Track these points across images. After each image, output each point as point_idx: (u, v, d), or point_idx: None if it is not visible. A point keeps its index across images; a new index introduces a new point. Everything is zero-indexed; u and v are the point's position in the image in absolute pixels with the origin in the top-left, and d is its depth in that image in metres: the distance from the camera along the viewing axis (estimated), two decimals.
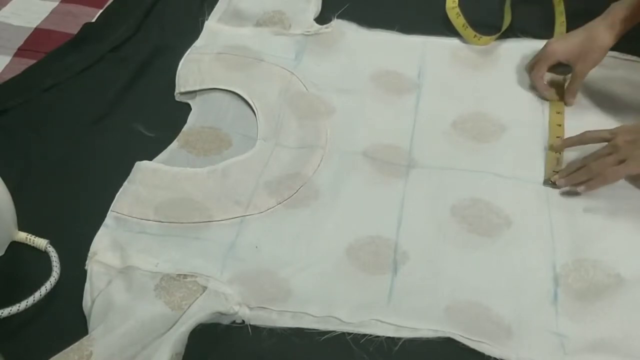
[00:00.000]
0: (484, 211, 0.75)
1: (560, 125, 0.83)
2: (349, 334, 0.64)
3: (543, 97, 0.87)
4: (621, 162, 0.71)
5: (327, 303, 0.66)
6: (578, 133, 0.78)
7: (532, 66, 0.88)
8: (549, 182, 0.76)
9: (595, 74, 0.88)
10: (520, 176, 0.79)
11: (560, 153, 0.78)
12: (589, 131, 0.76)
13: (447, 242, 0.72)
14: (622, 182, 0.76)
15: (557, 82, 0.89)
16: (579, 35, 0.83)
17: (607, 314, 0.65)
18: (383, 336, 0.63)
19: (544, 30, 0.95)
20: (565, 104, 0.86)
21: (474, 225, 0.74)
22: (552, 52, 0.85)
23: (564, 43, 0.84)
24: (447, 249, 0.72)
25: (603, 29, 0.80)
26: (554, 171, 0.76)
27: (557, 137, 0.80)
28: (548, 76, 0.88)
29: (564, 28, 0.94)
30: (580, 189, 0.73)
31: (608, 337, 0.64)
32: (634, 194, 0.75)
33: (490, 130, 0.84)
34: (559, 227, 0.73)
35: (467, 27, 0.95)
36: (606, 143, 0.73)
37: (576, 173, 0.74)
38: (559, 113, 0.85)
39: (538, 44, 0.91)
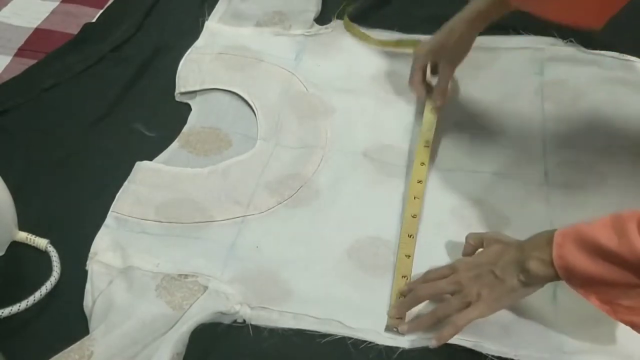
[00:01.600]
0: (484, 211, 0.75)
1: (417, 199, 0.75)
2: (350, 338, 0.64)
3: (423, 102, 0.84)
4: (468, 303, 0.61)
5: (329, 305, 0.66)
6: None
7: (409, 79, 0.86)
8: (392, 329, 0.64)
9: (595, 74, 0.88)
10: (520, 176, 0.79)
11: (404, 296, 0.66)
12: (431, 270, 0.67)
13: (447, 243, 0.72)
14: (622, 182, 0.77)
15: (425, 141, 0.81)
16: (439, 33, 0.82)
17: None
18: (382, 345, 0.64)
19: (543, 28, 0.94)
20: (434, 103, 0.83)
21: (474, 225, 0.74)
22: (417, 55, 0.84)
23: (427, 44, 0.83)
24: (447, 249, 0.72)
25: (459, 23, 0.79)
26: (396, 318, 0.65)
27: (403, 276, 0.68)
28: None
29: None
30: (431, 343, 0.62)
31: (607, 336, 0.64)
32: (634, 194, 0.76)
33: (490, 129, 0.84)
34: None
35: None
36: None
37: (421, 320, 0.64)
38: (419, 182, 0.76)
39: (539, 41, 0.90)
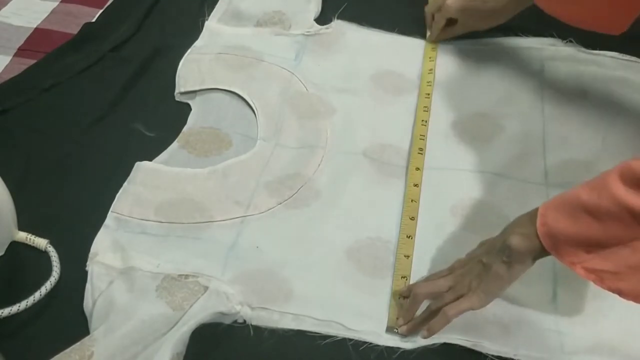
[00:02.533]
0: (484, 211, 0.75)
1: (414, 202, 0.75)
2: (350, 339, 0.64)
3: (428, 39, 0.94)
4: (461, 296, 0.62)
5: (329, 306, 0.66)
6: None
7: (432, 13, 0.94)
8: (392, 330, 0.64)
9: (595, 74, 0.88)
10: (520, 176, 0.79)
11: (405, 299, 0.66)
12: (432, 274, 0.68)
13: (447, 243, 0.72)
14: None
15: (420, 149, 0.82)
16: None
17: (606, 313, 0.66)
18: (383, 345, 0.64)
19: (543, 27, 0.94)
20: (430, 37, 0.93)
21: (474, 225, 0.74)
22: (446, 7, 0.90)
23: (459, 0, 0.89)
24: (447, 249, 0.72)
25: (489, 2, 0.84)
26: (397, 318, 0.65)
27: (403, 277, 0.68)
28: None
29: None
30: (422, 334, 0.62)
31: (607, 336, 0.64)
32: None
33: (490, 129, 0.84)
34: None
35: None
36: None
37: (418, 319, 0.64)
38: (416, 186, 0.77)
39: (539, 42, 0.90)
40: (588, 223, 0.54)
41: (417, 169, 0.79)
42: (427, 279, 0.67)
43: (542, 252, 0.57)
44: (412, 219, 0.74)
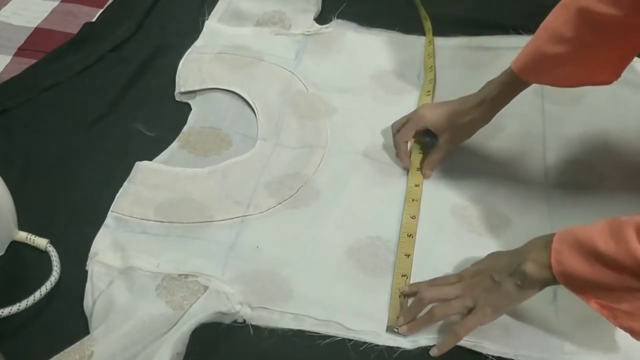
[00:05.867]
0: (484, 211, 0.75)
1: (415, 201, 0.75)
2: (350, 339, 0.64)
3: (403, 166, 0.80)
4: (469, 310, 0.62)
5: (329, 306, 0.66)
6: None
7: (398, 128, 0.80)
8: (392, 330, 0.64)
9: None
10: (520, 176, 0.79)
11: (405, 298, 0.66)
12: (439, 277, 0.67)
13: (447, 243, 0.72)
14: (622, 182, 0.77)
15: (420, 148, 0.81)
16: (450, 107, 0.77)
17: None
18: (383, 345, 0.64)
19: None
20: (423, 175, 0.78)
21: (474, 225, 0.74)
22: (420, 117, 0.78)
23: (435, 111, 0.78)
24: (447, 249, 0.71)
25: (473, 106, 0.75)
26: (397, 317, 0.65)
27: (403, 275, 0.68)
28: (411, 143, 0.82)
29: (431, 87, 0.89)
30: (432, 352, 0.62)
31: (607, 337, 0.64)
32: (634, 193, 0.76)
33: (489, 129, 0.84)
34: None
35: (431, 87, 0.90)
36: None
37: (419, 320, 0.64)
38: (417, 186, 0.77)
39: None
40: (604, 272, 0.54)
41: (418, 169, 0.79)
42: (433, 283, 0.66)
43: (554, 282, 0.58)
44: (413, 217, 0.74)
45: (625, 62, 0.71)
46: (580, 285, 0.57)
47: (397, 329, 0.64)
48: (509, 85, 0.74)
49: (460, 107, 0.76)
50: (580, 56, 0.69)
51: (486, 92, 0.75)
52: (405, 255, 0.70)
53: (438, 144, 0.78)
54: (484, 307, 0.61)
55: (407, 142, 0.80)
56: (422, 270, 0.69)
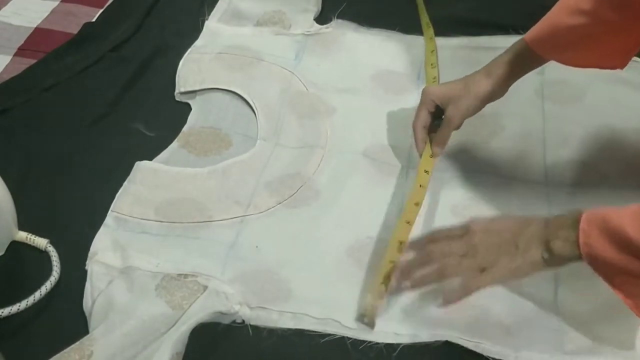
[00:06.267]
0: (484, 211, 0.75)
1: (422, 187, 0.73)
2: (349, 338, 0.64)
3: (418, 151, 0.77)
4: (482, 269, 0.61)
5: (328, 305, 0.66)
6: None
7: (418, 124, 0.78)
8: (363, 319, 0.63)
9: (595, 74, 0.88)
10: (520, 176, 0.79)
11: (386, 285, 0.64)
12: (439, 230, 0.65)
13: None
14: (622, 182, 0.77)
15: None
16: (457, 81, 0.76)
17: (607, 313, 0.65)
18: (382, 342, 0.63)
19: None
20: (432, 153, 0.76)
21: None
22: (427, 93, 0.76)
23: (441, 87, 0.77)
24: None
25: (479, 77, 0.74)
26: (372, 305, 0.63)
27: (391, 261, 0.65)
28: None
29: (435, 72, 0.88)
30: (440, 303, 0.62)
31: (608, 337, 0.64)
32: (634, 193, 0.75)
33: (489, 129, 0.84)
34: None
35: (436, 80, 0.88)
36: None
37: (425, 273, 0.62)
38: (426, 172, 0.75)
39: None
40: (633, 261, 0.54)
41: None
42: (436, 236, 0.64)
43: (580, 259, 0.57)
44: (417, 204, 0.71)
45: (632, 50, 0.70)
46: (606, 270, 0.56)
47: (367, 319, 0.63)
48: (519, 57, 0.72)
49: (466, 79, 0.75)
50: (596, 33, 0.68)
51: (494, 62, 0.74)
52: (399, 243, 0.67)
53: (445, 118, 0.76)
54: (501, 269, 0.60)
55: (424, 128, 0.77)
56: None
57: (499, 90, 0.74)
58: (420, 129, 0.77)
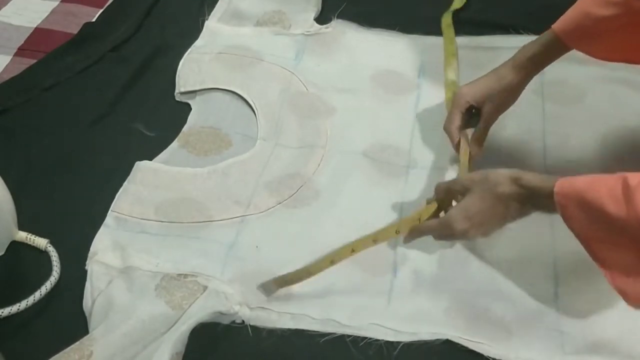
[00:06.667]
0: None
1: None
2: (349, 336, 0.64)
3: (457, 152, 0.77)
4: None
5: (327, 304, 0.66)
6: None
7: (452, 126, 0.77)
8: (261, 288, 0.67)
9: (595, 74, 0.88)
10: None
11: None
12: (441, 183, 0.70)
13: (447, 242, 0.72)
14: None
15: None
16: (486, 77, 0.75)
17: (607, 313, 0.65)
18: (382, 340, 0.64)
19: (544, 26, 0.94)
20: (472, 153, 0.76)
21: None
22: (460, 95, 0.76)
23: (472, 86, 0.76)
24: (447, 249, 0.71)
25: (509, 69, 0.74)
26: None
27: (374, 240, 0.69)
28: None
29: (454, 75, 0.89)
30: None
31: (608, 336, 0.64)
32: None
33: (489, 129, 0.84)
34: (559, 226, 0.72)
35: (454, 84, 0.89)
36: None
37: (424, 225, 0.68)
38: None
39: None
40: (612, 234, 0.55)
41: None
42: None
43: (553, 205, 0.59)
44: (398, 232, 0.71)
45: None
46: (583, 238, 0.57)
47: (264, 287, 0.66)
48: (547, 47, 0.72)
49: (495, 74, 0.75)
50: (627, 24, 0.67)
51: (521, 52, 0.74)
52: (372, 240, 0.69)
53: (482, 117, 0.76)
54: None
55: (457, 129, 0.76)
56: (421, 264, 0.69)
57: (527, 82, 0.75)
58: (455, 131, 0.77)
